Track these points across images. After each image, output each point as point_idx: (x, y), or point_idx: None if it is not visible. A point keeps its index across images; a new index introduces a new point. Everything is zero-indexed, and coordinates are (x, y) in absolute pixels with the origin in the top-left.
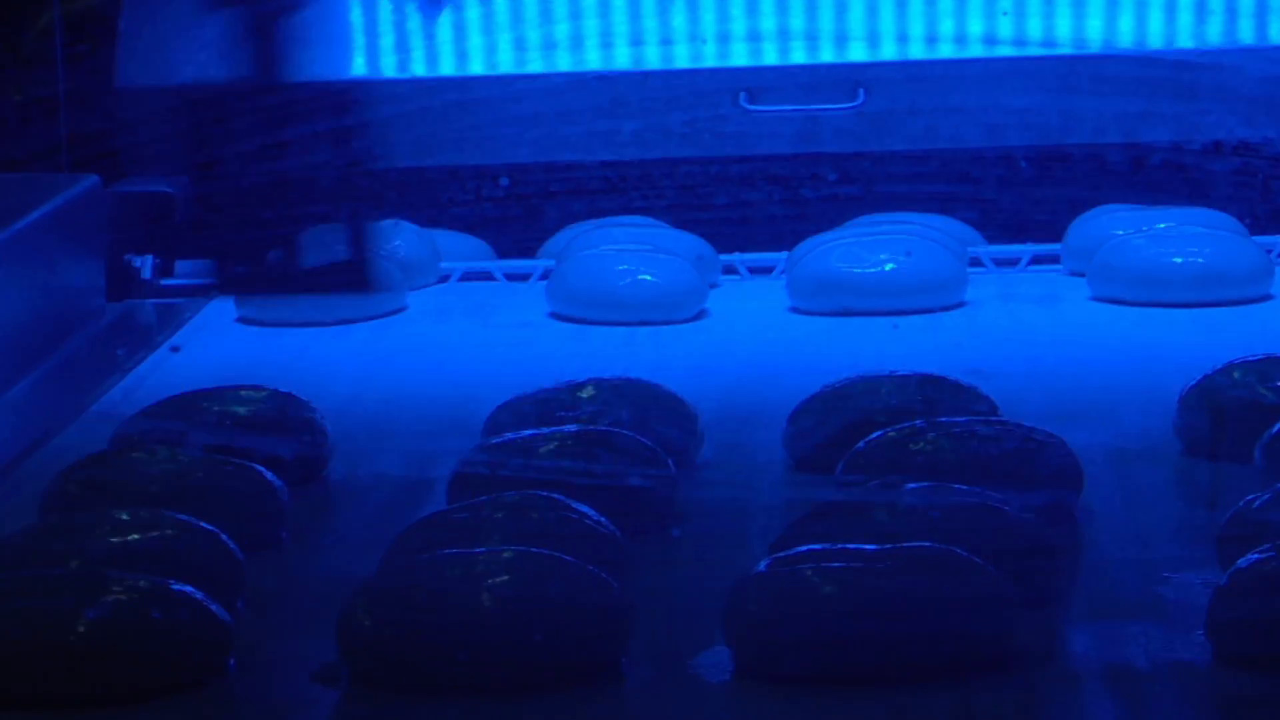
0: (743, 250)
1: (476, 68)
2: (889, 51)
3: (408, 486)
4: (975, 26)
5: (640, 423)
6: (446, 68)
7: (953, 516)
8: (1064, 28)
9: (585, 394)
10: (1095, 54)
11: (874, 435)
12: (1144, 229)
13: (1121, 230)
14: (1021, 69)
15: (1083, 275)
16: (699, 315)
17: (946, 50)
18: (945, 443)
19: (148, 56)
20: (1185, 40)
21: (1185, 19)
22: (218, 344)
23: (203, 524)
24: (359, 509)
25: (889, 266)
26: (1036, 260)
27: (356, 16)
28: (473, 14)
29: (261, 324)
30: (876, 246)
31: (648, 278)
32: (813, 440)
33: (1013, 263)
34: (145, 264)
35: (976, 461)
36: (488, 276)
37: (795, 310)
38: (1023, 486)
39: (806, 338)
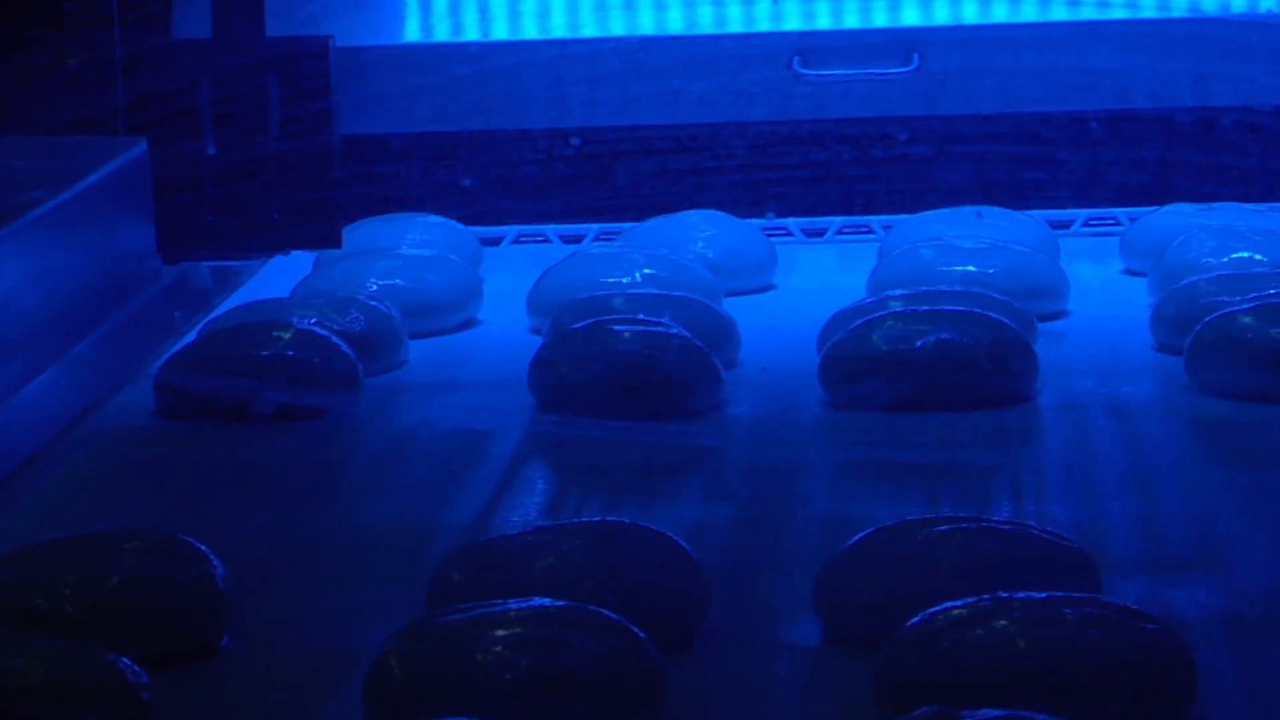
0: (814, 213)
1: (554, 29)
2: (968, 14)
3: (323, 664)
4: None
5: (623, 595)
6: (525, 30)
7: None
8: None
9: (557, 544)
10: (1164, 17)
11: (929, 613)
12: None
13: (1204, 264)
14: (1090, 31)
15: (1142, 275)
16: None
17: (1031, 13)
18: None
19: (203, 18)
20: (1239, 3)
21: None
22: None
23: None
24: (255, 697)
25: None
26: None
27: None
28: None
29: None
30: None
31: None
32: (849, 608)
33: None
34: None
35: (1063, 665)
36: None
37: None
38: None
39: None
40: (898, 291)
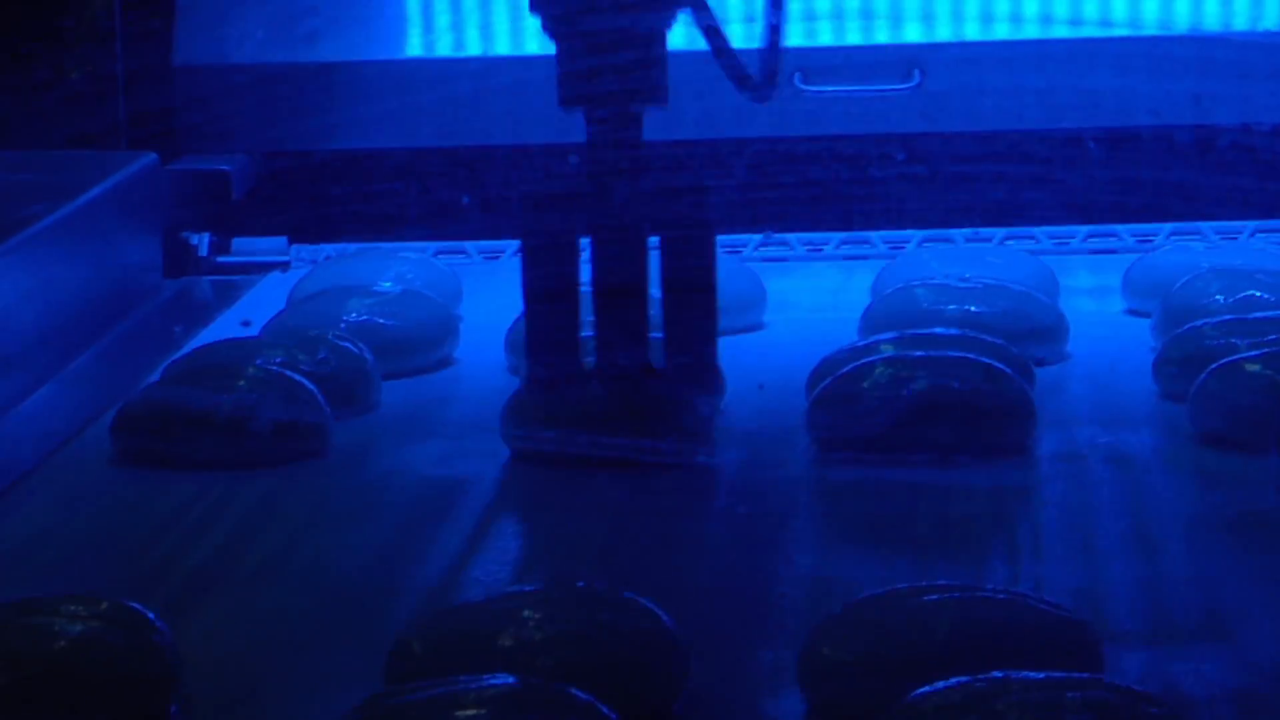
0: (814, 229)
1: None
2: (970, 31)
3: None
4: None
5: (594, 667)
6: (528, 45)
7: None
8: (1120, 11)
9: (524, 612)
10: (1162, 35)
11: (920, 694)
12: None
13: (1210, 305)
14: (1087, 50)
15: (1145, 316)
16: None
17: (1033, 31)
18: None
19: (206, 35)
20: (1242, 23)
21: (1240, 1)
22: None
23: None
24: None
25: None
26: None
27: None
28: None
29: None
30: None
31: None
32: (834, 682)
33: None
34: (202, 241)
35: None
36: None
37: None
38: None
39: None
40: (889, 335)
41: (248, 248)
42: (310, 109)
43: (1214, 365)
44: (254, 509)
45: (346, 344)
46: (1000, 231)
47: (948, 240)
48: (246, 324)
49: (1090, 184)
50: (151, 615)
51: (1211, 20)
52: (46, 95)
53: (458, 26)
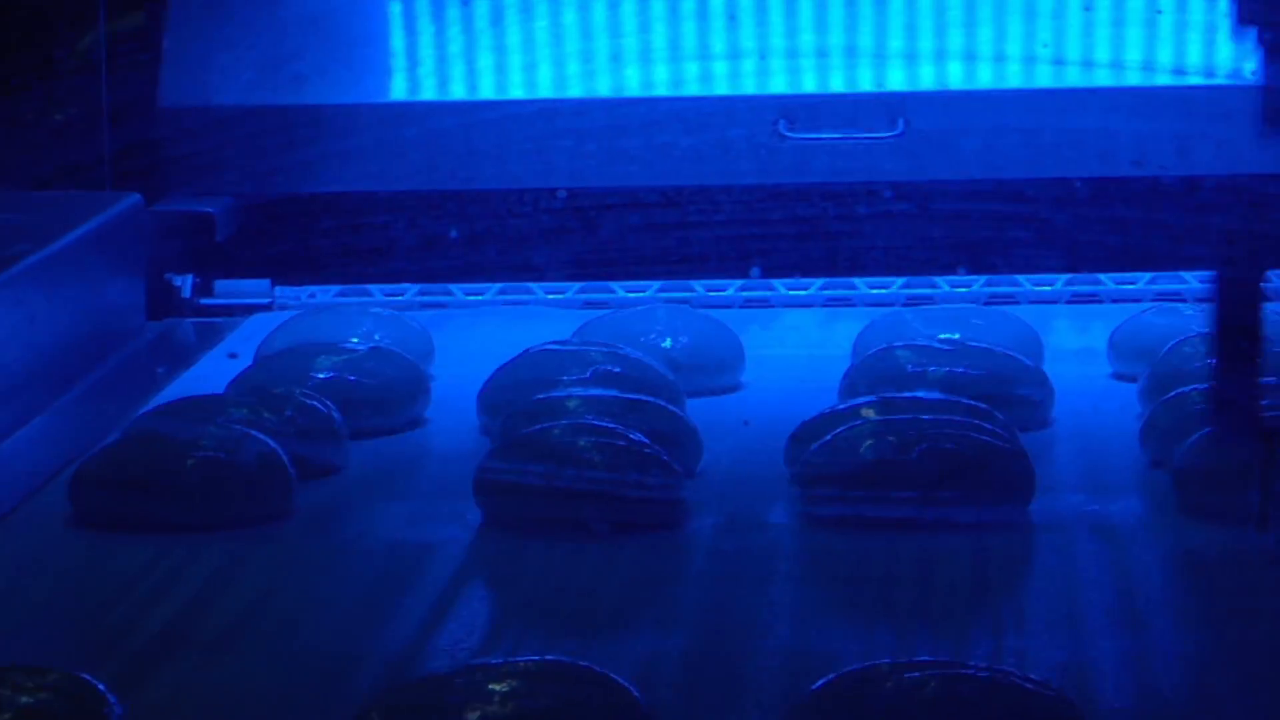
0: (800, 271)
1: (541, 87)
2: (953, 78)
3: None
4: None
5: None
6: (512, 89)
7: None
8: (1102, 57)
9: (489, 687)
10: (1148, 86)
11: None
12: None
13: (1199, 370)
14: (1074, 97)
15: (1132, 380)
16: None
17: (1015, 79)
18: None
19: (191, 76)
20: (1224, 70)
21: (1224, 50)
22: None
23: None
24: None
25: None
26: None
27: (398, 42)
28: (540, 29)
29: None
30: None
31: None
32: None
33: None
34: (185, 283)
35: None
36: None
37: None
38: None
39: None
40: (870, 398)
41: (231, 289)
42: (295, 151)
43: (1197, 435)
44: (215, 574)
45: (313, 402)
46: (981, 278)
47: (930, 285)
48: (234, 356)
49: (1074, 229)
50: (101, 687)
51: (1193, 68)
52: (32, 135)
53: (441, 71)
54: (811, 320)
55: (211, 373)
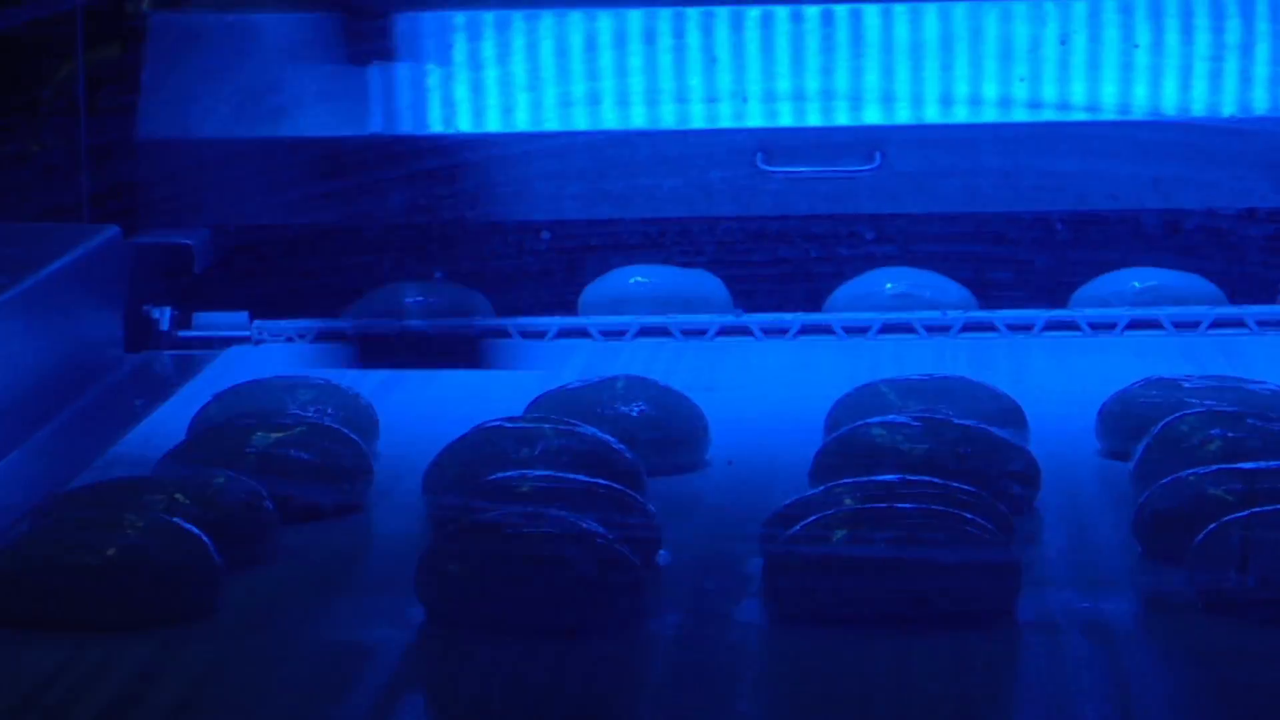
0: (780, 307)
1: (519, 123)
2: (929, 114)
3: None
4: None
5: None
6: (489, 123)
7: None
8: (1079, 94)
9: None
10: (1129, 120)
11: None
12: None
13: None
14: (1051, 133)
15: (1124, 460)
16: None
17: (991, 114)
18: None
19: (169, 110)
20: (1200, 108)
21: (1200, 88)
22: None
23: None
24: None
25: None
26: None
27: (401, 72)
28: (516, 69)
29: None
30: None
31: None
32: None
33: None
34: (163, 315)
35: None
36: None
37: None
38: None
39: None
40: (846, 481)
41: (209, 322)
42: (273, 183)
43: (1213, 526)
44: (132, 679)
45: (244, 484)
46: (958, 316)
47: (909, 330)
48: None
49: (1051, 266)
50: None
51: (1170, 106)
52: (6, 167)
53: (417, 105)
54: (784, 365)
55: (183, 412)
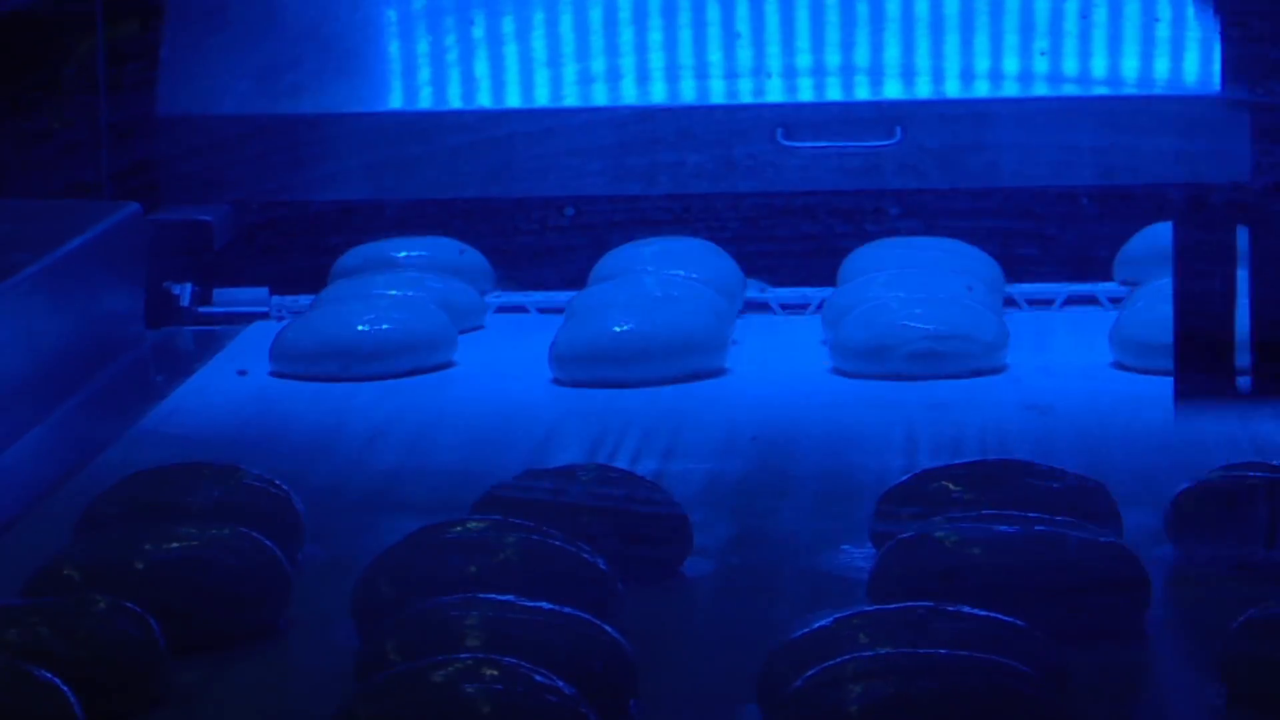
0: (805, 283)
1: (540, 99)
2: (950, 88)
3: None
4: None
5: None
6: (510, 99)
7: None
8: (1100, 68)
9: None
10: (1152, 95)
11: None
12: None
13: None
14: (1073, 108)
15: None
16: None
17: (1012, 89)
18: None
19: (190, 86)
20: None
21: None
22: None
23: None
24: None
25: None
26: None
27: (422, 48)
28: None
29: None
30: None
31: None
32: None
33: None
34: (184, 291)
35: None
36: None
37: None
38: None
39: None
40: (867, 609)
41: (230, 298)
42: (292, 160)
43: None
44: None
45: (126, 613)
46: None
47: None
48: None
49: (1078, 241)
50: None
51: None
52: (28, 144)
53: (438, 80)
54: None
55: (210, 385)
